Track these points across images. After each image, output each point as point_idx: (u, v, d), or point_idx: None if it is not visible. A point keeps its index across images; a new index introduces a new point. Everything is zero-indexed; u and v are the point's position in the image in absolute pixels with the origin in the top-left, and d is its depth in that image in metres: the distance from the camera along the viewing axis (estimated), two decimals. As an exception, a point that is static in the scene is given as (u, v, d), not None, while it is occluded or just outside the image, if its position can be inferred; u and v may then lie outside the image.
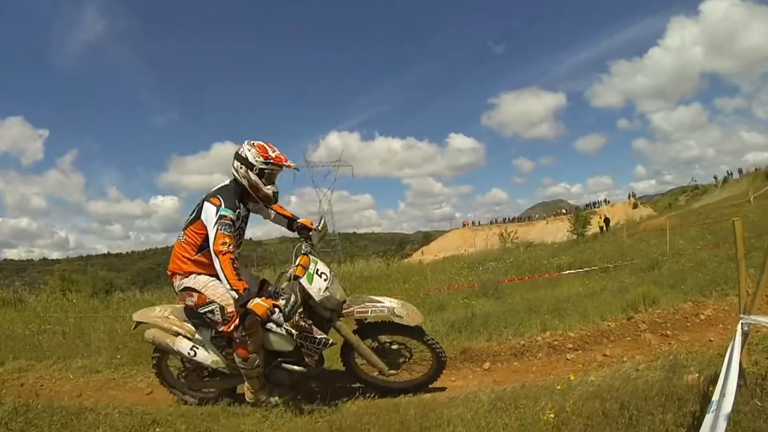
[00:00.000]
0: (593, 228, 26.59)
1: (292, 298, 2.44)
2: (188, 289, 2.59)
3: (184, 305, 2.72)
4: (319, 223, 2.93)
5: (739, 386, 1.67)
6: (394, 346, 2.83)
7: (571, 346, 3.35)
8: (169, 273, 2.69)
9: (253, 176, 2.60)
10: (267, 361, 2.68)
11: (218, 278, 2.44)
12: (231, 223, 2.45)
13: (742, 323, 1.81)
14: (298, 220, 3.00)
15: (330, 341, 2.62)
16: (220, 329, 2.56)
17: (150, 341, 2.82)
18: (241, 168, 2.61)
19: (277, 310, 2.32)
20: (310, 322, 2.60)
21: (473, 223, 59.83)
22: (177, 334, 2.75)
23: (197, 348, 2.71)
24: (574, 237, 23.18)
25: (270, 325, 2.48)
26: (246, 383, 2.69)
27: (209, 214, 2.47)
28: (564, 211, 57.80)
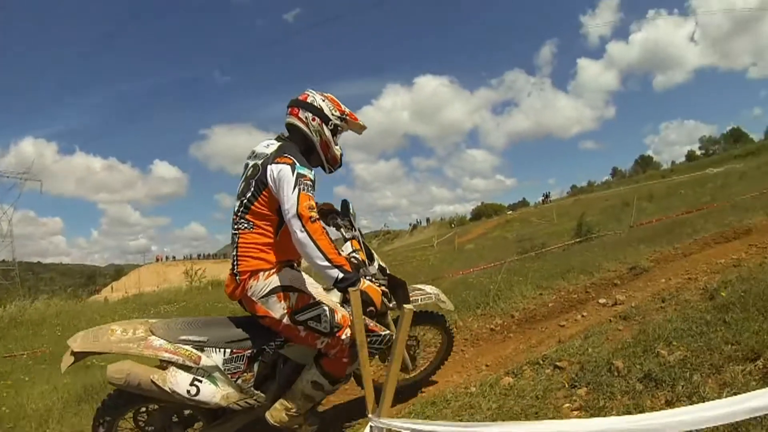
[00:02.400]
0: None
1: (406, 284, 2.39)
2: (282, 289, 2.16)
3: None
4: (350, 207, 2.75)
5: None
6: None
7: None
8: (241, 277, 2.19)
9: (327, 132, 2.37)
10: (290, 380, 2.36)
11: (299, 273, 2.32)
12: (312, 184, 2.12)
13: (371, 426, 1.70)
14: (319, 204, 2.66)
15: (392, 336, 2.43)
16: (322, 344, 2.22)
17: (120, 383, 2.08)
18: (314, 120, 2.34)
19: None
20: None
21: (167, 257, 62.32)
22: (168, 364, 2.13)
23: (200, 381, 2.14)
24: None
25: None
26: (288, 402, 2.29)
27: (283, 175, 2.08)
28: (258, 250, 68.32)
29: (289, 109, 2.39)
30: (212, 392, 2.18)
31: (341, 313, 2.27)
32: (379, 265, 2.47)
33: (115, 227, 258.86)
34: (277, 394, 2.35)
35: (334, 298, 2.38)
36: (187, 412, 2.35)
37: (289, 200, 2.03)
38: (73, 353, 2.11)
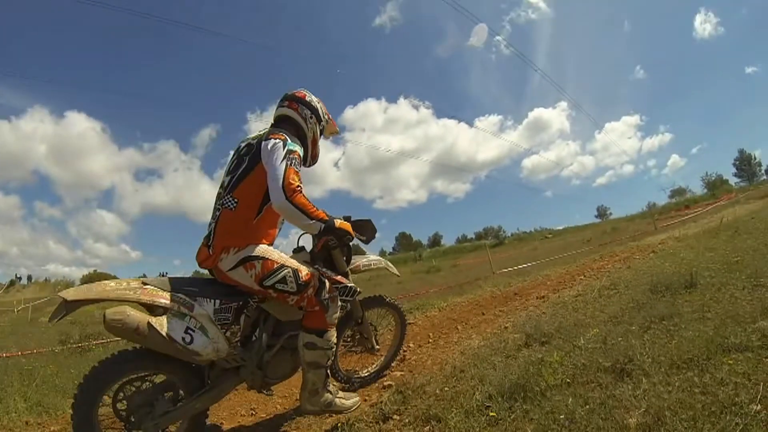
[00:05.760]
0: None
1: (371, 221, 3.37)
2: (248, 260, 2.81)
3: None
4: None
5: None
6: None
7: None
8: (214, 250, 2.87)
9: (318, 131, 3.30)
10: (269, 342, 3.01)
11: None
12: (300, 161, 2.84)
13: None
14: None
15: (356, 289, 3.27)
16: (293, 301, 2.90)
17: (118, 323, 2.49)
18: (311, 118, 3.23)
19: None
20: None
21: None
22: (164, 311, 2.63)
23: (193, 330, 2.64)
24: None
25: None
26: (305, 385, 3.00)
27: (274, 147, 2.78)
28: None
29: (287, 103, 3.22)
30: (204, 343, 2.64)
31: (305, 272, 2.92)
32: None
33: None
34: (260, 355, 2.94)
35: (298, 260, 3.03)
36: (169, 393, 2.78)
37: (276, 171, 2.68)
38: (66, 302, 2.45)
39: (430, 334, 5.73)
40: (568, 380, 2.72)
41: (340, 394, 3.19)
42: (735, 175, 76.28)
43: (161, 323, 2.51)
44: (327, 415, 3.30)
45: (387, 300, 4.11)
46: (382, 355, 4.20)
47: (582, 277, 8.01)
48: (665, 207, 44.73)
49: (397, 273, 4.26)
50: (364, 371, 4.07)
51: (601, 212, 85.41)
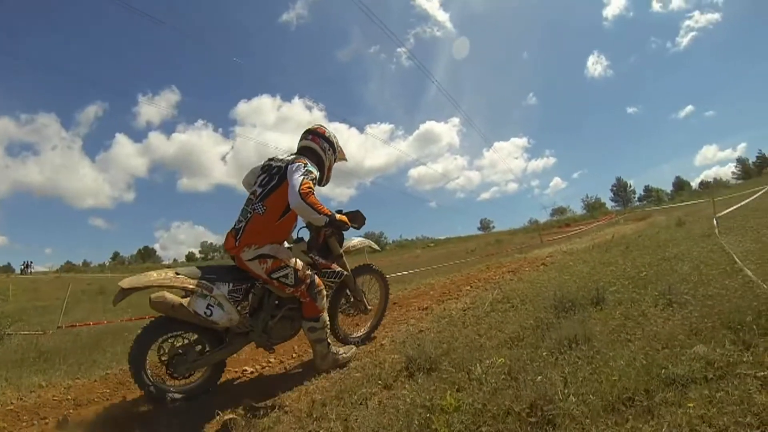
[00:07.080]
0: None
1: (360, 212, 4.48)
2: (263, 256, 3.90)
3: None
4: None
5: None
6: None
7: None
8: (240, 243, 3.95)
9: (332, 159, 4.49)
10: (272, 313, 4.10)
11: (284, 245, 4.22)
12: (315, 179, 3.90)
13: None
14: None
15: (343, 273, 4.46)
16: (289, 291, 3.98)
17: (159, 304, 3.67)
18: (329, 150, 4.43)
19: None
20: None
21: None
22: (192, 292, 3.72)
23: (213, 306, 3.73)
24: None
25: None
26: (315, 355, 4.17)
27: (296, 167, 3.85)
28: None
29: (311, 137, 4.40)
30: (221, 315, 3.74)
31: (302, 272, 3.98)
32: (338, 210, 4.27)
33: None
34: (265, 322, 4.06)
35: (299, 256, 4.10)
36: (198, 347, 3.88)
37: (295, 181, 3.71)
38: (123, 290, 3.60)
39: (295, 347, 5.05)
40: (470, 435, 1.99)
41: (341, 350, 4.28)
42: (611, 199, 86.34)
43: (189, 302, 3.63)
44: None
45: (372, 267, 5.27)
46: (371, 318, 5.19)
47: (468, 287, 7.59)
48: (547, 223, 47.79)
49: (378, 248, 6.22)
50: (355, 334, 4.97)
51: (485, 225, 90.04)
